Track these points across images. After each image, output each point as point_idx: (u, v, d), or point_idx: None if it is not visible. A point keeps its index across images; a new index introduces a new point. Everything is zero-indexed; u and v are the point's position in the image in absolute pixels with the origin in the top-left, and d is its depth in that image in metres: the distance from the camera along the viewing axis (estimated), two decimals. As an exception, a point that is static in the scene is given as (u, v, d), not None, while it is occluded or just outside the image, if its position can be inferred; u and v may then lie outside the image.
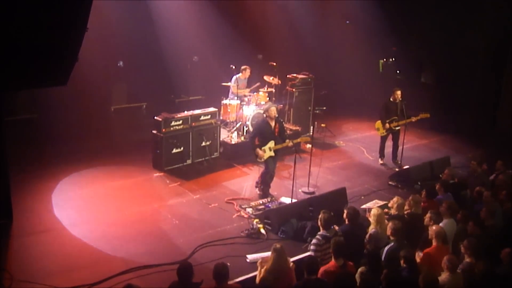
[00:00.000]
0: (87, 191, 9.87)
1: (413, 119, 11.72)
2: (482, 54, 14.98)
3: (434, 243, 6.84)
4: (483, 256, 6.40)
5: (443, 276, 6.12)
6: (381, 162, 12.27)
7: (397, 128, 11.91)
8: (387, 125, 11.81)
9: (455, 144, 14.08)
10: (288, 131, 12.53)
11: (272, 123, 9.78)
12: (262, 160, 9.76)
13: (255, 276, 6.77)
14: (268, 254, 6.80)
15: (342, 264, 6.32)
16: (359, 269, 6.08)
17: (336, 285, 5.81)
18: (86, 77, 10.79)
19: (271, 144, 9.75)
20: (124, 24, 13.03)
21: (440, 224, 7.25)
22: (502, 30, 14.33)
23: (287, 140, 9.89)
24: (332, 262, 6.39)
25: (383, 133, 12.03)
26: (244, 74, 12.66)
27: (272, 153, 9.81)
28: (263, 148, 9.70)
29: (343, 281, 5.83)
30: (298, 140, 10.07)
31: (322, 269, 6.32)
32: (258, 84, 12.90)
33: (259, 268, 6.75)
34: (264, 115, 10.02)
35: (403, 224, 7.22)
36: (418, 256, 6.84)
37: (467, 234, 7.29)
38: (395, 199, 8.21)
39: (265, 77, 12.92)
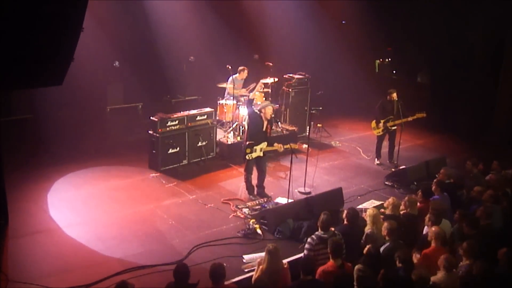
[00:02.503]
0: (83, 191, 9.85)
1: (410, 118, 11.74)
2: (479, 54, 15.01)
3: (433, 244, 6.84)
4: (480, 256, 6.40)
5: (439, 275, 6.12)
6: (377, 162, 12.28)
7: (393, 127, 11.93)
8: (381, 124, 11.83)
9: (451, 144, 14.10)
10: (284, 131, 12.54)
11: (265, 122, 9.76)
12: (250, 158, 9.72)
13: (251, 277, 6.77)
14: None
15: (340, 264, 6.33)
16: (356, 266, 6.09)
17: (335, 285, 5.82)
18: (81, 77, 10.77)
19: (263, 145, 9.73)
20: (120, 24, 13.02)
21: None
22: (498, 30, 14.35)
23: (276, 144, 9.84)
24: (331, 262, 6.39)
25: (379, 132, 12.05)
26: (242, 75, 12.65)
27: (261, 154, 9.79)
28: (255, 147, 9.68)
29: (342, 281, 5.84)
30: (288, 146, 9.94)
31: (320, 269, 6.33)
32: (254, 84, 12.88)
33: (256, 268, 6.76)
34: (259, 112, 9.97)
35: (399, 224, 7.23)
36: (415, 257, 6.84)
37: (464, 234, 7.30)
38: (390, 199, 8.22)
39: (262, 81, 12.90)
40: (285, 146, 9.83)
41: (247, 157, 9.72)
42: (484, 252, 6.50)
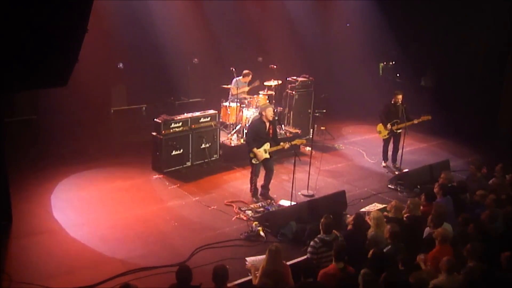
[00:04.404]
0: (86, 192, 9.87)
1: (415, 121, 11.72)
2: (482, 58, 15.00)
3: (437, 244, 6.83)
4: (484, 259, 6.39)
5: (440, 278, 6.10)
6: (384, 164, 12.27)
7: (398, 131, 11.92)
8: (389, 126, 11.81)
9: (455, 148, 14.08)
10: (287, 134, 12.54)
11: (267, 124, 9.76)
12: (257, 162, 9.73)
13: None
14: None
15: (342, 267, 6.32)
16: (362, 271, 6.04)
17: (339, 287, 5.81)
18: (86, 79, 10.76)
19: (266, 146, 9.73)
20: (124, 26, 13.01)
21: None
22: (502, 34, 14.34)
23: (282, 143, 9.86)
24: (332, 265, 6.39)
25: (385, 136, 12.03)
26: (246, 78, 12.66)
27: (267, 155, 9.78)
28: (258, 149, 9.68)
29: (346, 283, 5.82)
30: (294, 142, 9.96)
31: (321, 272, 6.33)
32: (257, 82, 12.89)
33: (252, 271, 6.76)
34: (260, 115, 9.98)
35: (401, 227, 7.21)
36: (420, 258, 6.83)
37: (467, 237, 7.28)
38: (393, 202, 8.24)
39: (266, 83, 12.92)
40: (292, 143, 9.81)
41: (253, 161, 9.73)
42: (487, 255, 6.49)
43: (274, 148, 9.84)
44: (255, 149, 9.62)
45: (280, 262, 6.53)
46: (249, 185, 10.10)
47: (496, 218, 7.76)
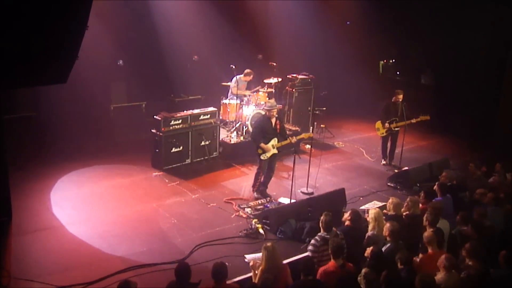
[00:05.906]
0: (86, 189, 9.87)
1: (413, 120, 11.72)
2: (483, 56, 14.99)
3: (429, 249, 6.83)
4: (482, 257, 6.39)
5: (439, 276, 6.10)
6: (384, 162, 12.29)
7: (396, 129, 11.92)
8: (387, 125, 11.82)
9: (455, 146, 14.10)
10: (287, 132, 12.52)
11: (273, 120, 9.77)
12: (266, 158, 9.72)
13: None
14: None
15: (341, 264, 6.32)
16: (363, 270, 6.02)
17: (339, 284, 5.81)
18: (86, 76, 10.75)
19: (274, 141, 9.74)
20: (124, 23, 13.00)
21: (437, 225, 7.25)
22: (502, 32, 14.32)
23: (290, 137, 9.84)
24: (331, 262, 6.39)
25: (382, 133, 12.05)
26: (247, 78, 12.64)
27: (275, 151, 9.79)
28: (266, 145, 9.68)
29: (345, 280, 5.83)
30: (302, 136, 9.92)
31: (321, 269, 6.33)
32: (259, 87, 12.89)
33: (253, 271, 6.75)
34: (265, 112, 9.98)
35: (401, 225, 7.21)
36: (415, 259, 6.81)
37: (465, 236, 7.29)
38: (390, 200, 8.19)
39: (266, 81, 12.91)
40: (298, 137, 9.77)
41: (262, 157, 9.73)
42: (486, 254, 6.49)
43: (284, 143, 9.82)
44: (262, 144, 9.62)
45: (278, 259, 6.52)
46: (252, 181, 10.09)
47: (485, 214, 7.75)
